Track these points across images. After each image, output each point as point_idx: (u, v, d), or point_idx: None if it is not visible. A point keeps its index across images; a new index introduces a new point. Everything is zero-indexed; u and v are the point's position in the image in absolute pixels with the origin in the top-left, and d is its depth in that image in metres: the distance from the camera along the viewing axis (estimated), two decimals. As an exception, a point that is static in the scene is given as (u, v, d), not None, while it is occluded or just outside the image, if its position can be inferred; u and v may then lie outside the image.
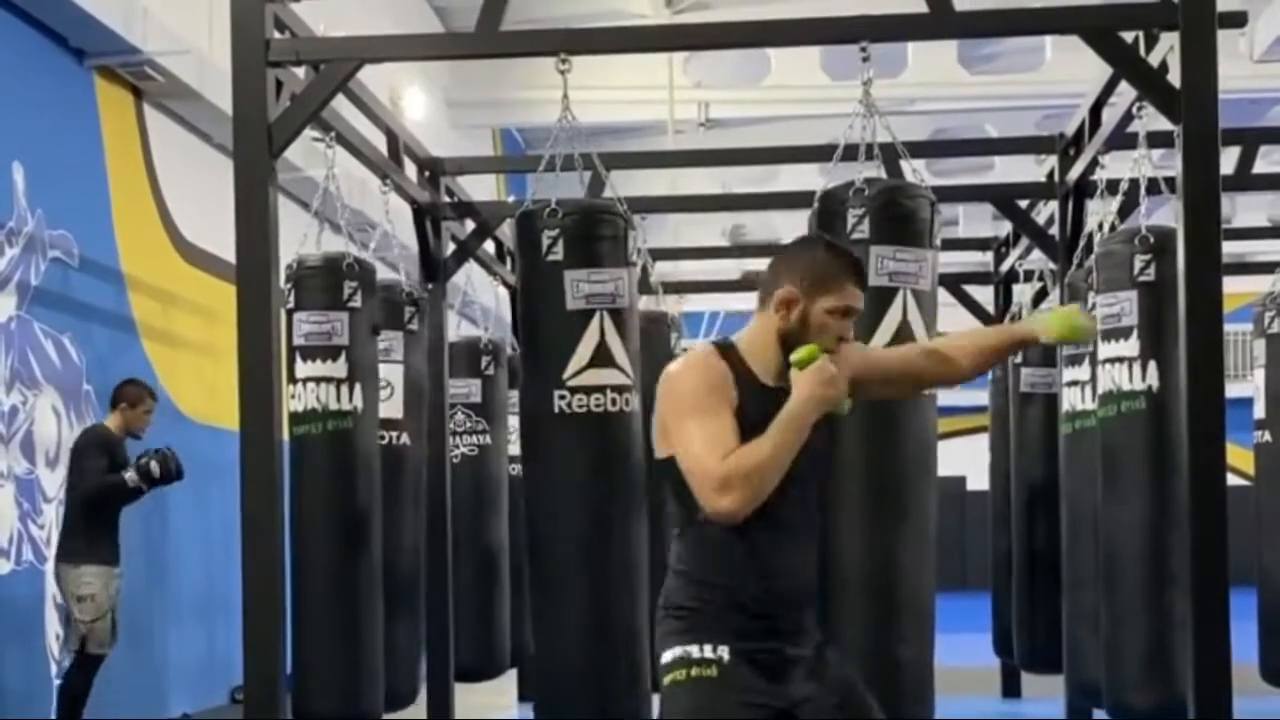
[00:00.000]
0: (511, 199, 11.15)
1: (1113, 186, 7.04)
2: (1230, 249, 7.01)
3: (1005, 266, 9.82)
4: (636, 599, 5.85)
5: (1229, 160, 7.60)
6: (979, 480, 12.65)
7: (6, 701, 7.43)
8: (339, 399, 6.61)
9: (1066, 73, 13.49)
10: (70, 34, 8.21)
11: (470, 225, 8.61)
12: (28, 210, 7.84)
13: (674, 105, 15.01)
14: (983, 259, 10.86)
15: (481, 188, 10.72)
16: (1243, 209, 18.08)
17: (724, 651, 3.27)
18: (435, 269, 8.21)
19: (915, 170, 6.10)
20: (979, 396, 11.61)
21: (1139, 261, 6.11)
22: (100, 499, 7.41)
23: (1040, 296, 9.31)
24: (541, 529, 5.92)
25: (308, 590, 6.61)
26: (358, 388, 6.67)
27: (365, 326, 6.75)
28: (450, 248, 8.40)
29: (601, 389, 5.72)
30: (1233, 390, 5.80)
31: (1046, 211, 8.37)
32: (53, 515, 7.95)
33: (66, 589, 7.37)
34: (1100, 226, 7.08)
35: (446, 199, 8.38)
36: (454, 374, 8.43)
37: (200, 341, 9.78)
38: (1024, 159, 12.58)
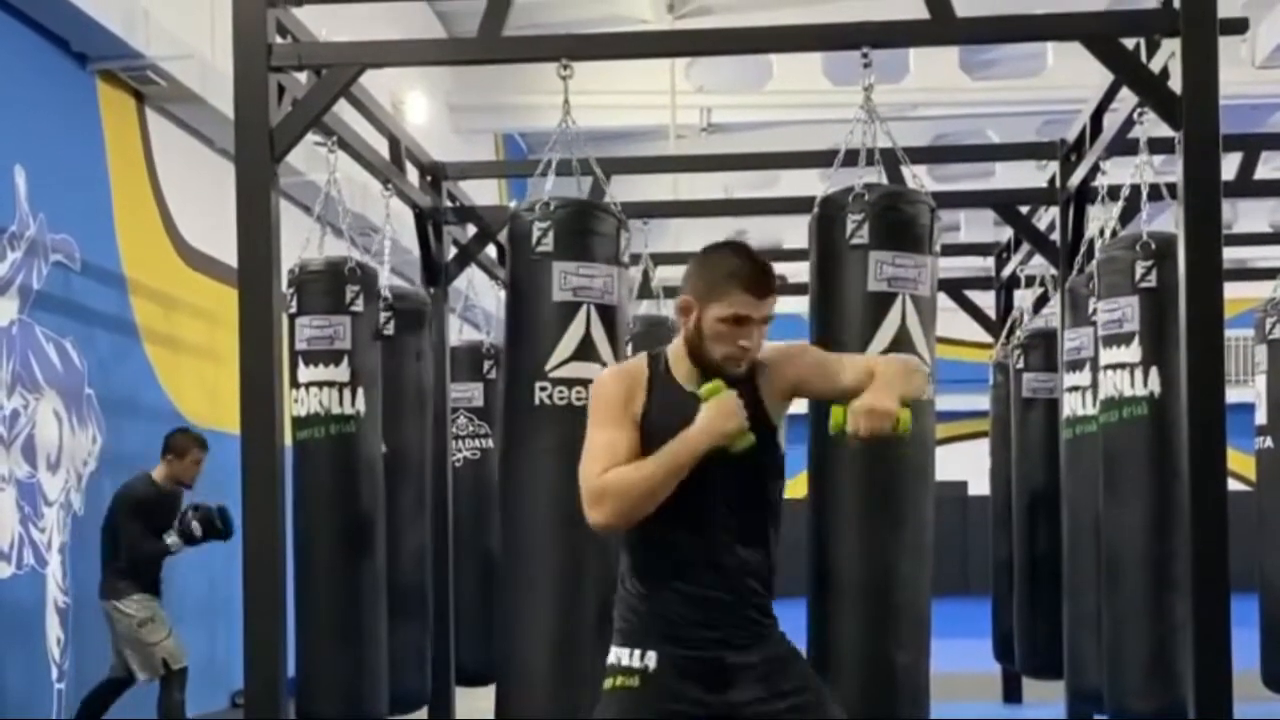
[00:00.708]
0: (513, 203, 11.16)
1: (1114, 192, 7.05)
2: (1231, 255, 7.01)
3: (1006, 272, 9.83)
4: (608, 597, 5.76)
5: (1230, 166, 7.62)
6: (980, 485, 12.66)
7: (7, 704, 7.44)
8: (341, 403, 6.62)
9: (1068, 79, 13.52)
10: (72, 38, 8.23)
11: (472, 230, 8.62)
12: (30, 214, 7.84)
13: (676, 110, 15.02)
14: (984, 264, 10.87)
15: (483, 192, 10.73)
16: (1244, 215, 18.10)
17: (651, 660, 3.28)
18: (437, 273, 8.22)
19: (916, 176, 6.11)
20: (980, 402, 11.62)
21: (1140, 267, 6.12)
22: (145, 560, 7.48)
23: (1041, 302, 9.32)
24: (515, 522, 5.82)
25: (310, 594, 6.61)
26: (360, 392, 6.68)
27: (368, 331, 6.76)
28: (452, 252, 8.41)
29: (583, 382, 5.57)
30: (1234, 396, 5.81)
31: (1048, 217, 8.37)
32: (54, 519, 7.96)
33: (124, 621, 7.42)
34: (1101, 232, 7.09)
35: (448, 203, 8.39)
36: (456, 378, 8.44)
37: (202, 345, 9.79)
38: (1025, 164, 12.60)
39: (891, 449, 5.26)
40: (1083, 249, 7.47)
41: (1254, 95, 14.44)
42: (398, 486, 7.27)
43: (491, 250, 8.94)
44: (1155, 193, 6.61)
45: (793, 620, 3.72)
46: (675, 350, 3.38)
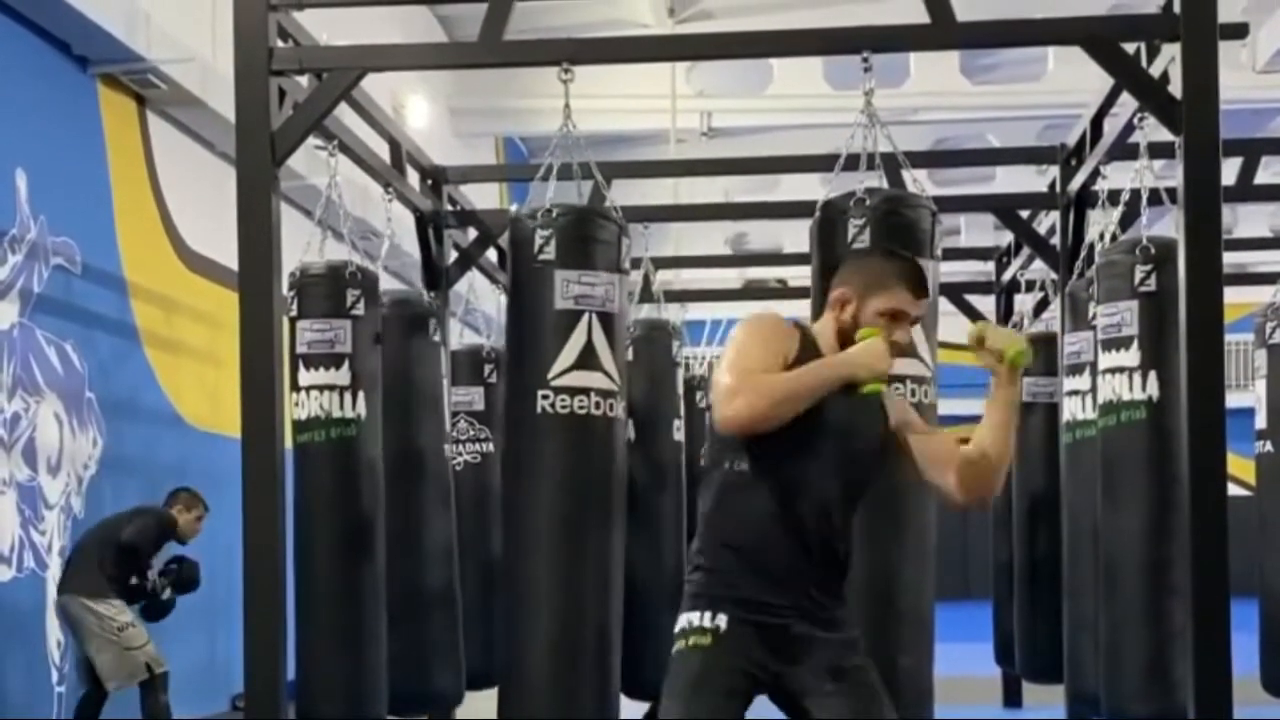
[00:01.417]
0: (514, 207, 11.17)
1: (1114, 197, 7.05)
2: (1231, 259, 7.01)
3: (1007, 276, 9.83)
4: (608, 606, 5.79)
5: (1230, 171, 7.62)
6: (980, 489, 12.63)
7: (7, 707, 7.44)
8: (342, 407, 6.63)
9: (1068, 83, 13.51)
10: (74, 41, 8.23)
11: (473, 233, 8.63)
12: (30, 217, 7.85)
13: (676, 114, 15.02)
14: (984, 269, 10.87)
15: (484, 196, 10.73)
16: (1244, 219, 18.09)
17: (722, 621, 3.35)
18: (438, 277, 8.22)
19: (916, 180, 6.12)
20: (981, 406, 11.60)
21: (1140, 272, 6.12)
22: (130, 553, 7.52)
23: (1041, 306, 9.33)
24: (515, 530, 5.85)
25: (311, 597, 6.62)
26: (361, 395, 6.68)
27: (368, 334, 6.77)
28: (453, 255, 8.42)
29: (585, 391, 5.65)
30: (1233, 400, 5.81)
31: (1048, 222, 8.38)
32: (54, 522, 7.96)
33: (100, 623, 7.43)
34: (1101, 237, 7.10)
35: (449, 207, 8.40)
36: (456, 382, 8.44)
37: (203, 348, 9.79)
38: (1025, 169, 12.62)
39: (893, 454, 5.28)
40: (1083, 253, 7.47)
41: (1254, 100, 14.45)
42: (398, 489, 7.27)
43: (492, 254, 8.95)
44: (1155, 197, 6.61)
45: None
46: (822, 331, 3.51)
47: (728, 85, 16.19)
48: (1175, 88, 5.48)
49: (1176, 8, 5.44)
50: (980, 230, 17.28)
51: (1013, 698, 9.96)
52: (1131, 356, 6.13)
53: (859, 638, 3.52)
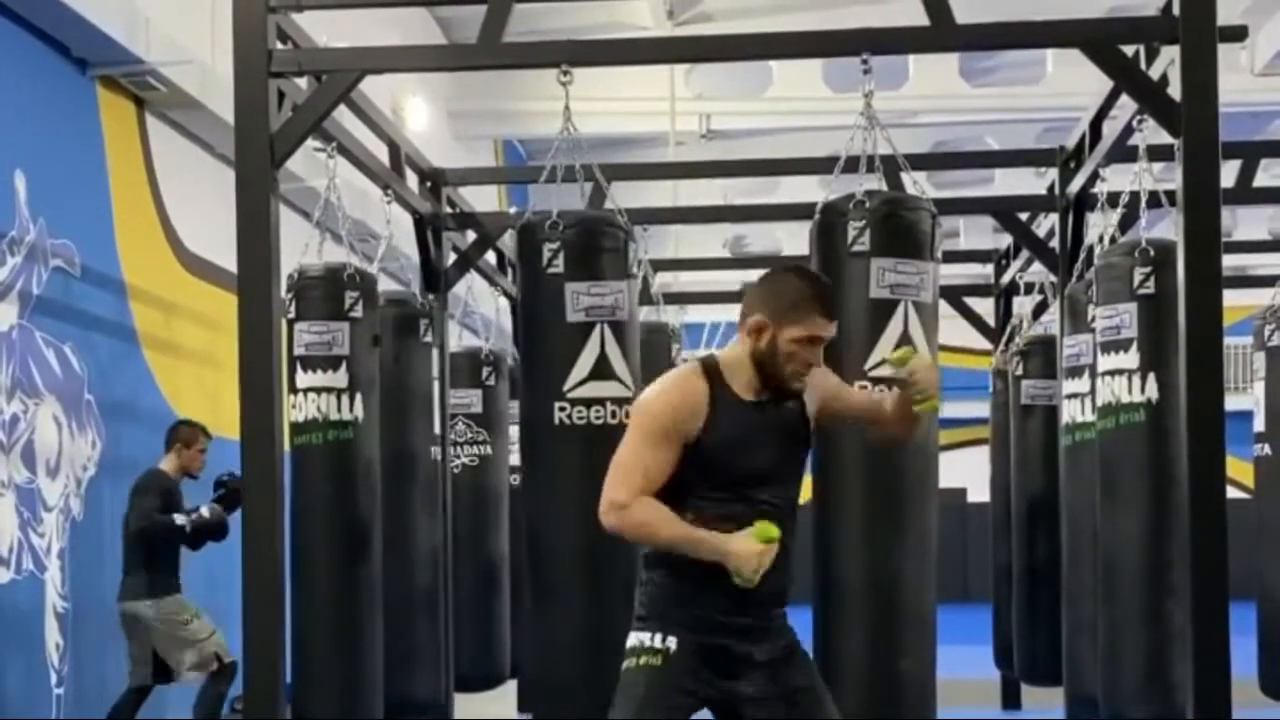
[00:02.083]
0: (513, 210, 11.17)
1: (1113, 199, 7.05)
2: (1230, 262, 7.02)
3: (1006, 279, 9.83)
4: (629, 615, 5.81)
5: (1229, 173, 7.62)
6: (980, 492, 12.65)
7: (6, 709, 7.43)
8: (340, 409, 6.62)
9: (1067, 86, 13.52)
10: (73, 44, 8.22)
11: (471, 236, 8.62)
12: (29, 219, 7.84)
13: (675, 117, 15.03)
14: (983, 271, 10.87)
15: (483, 199, 10.73)
16: (1243, 222, 18.11)
17: (672, 643, 3.50)
18: (436, 279, 8.22)
19: (916, 182, 6.12)
20: (980, 409, 11.61)
21: (1139, 274, 6.11)
22: (150, 537, 7.47)
23: (1040, 308, 9.32)
24: (539, 540, 5.89)
25: (308, 599, 6.61)
26: (358, 398, 6.68)
27: (366, 337, 6.77)
28: (451, 258, 8.41)
29: (601, 401, 5.69)
30: (1232, 403, 5.80)
31: (1047, 224, 8.38)
32: (53, 524, 7.96)
33: (162, 621, 7.44)
34: (1100, 239, 7.09)
35: (448, 209, 8.39)
36: (455, 384, 8.44)
37: (201, 351, 9.79)
38: (1025, 172, 12.63)
39: (895, 457, 5.29)
40: (1082, 255, 7.47)
41: (1253, 102, 14.46)
42: (395, 492, 7.28)
43: (491, 256, 8.95)
44: (1154, 200, 6.61)
45: (798, 626, 3.78)
46: (731, 361, 3.59)
47: (727, 87, 16.19)
48: (1174, 90, 5.48)
49: (1175, 10, 5.44)
50: (979, 233, 17.30)
51: (1011, 700, 9.96)
52: (1130, 359, 6.12)
53: (797, 643, 3.65)
